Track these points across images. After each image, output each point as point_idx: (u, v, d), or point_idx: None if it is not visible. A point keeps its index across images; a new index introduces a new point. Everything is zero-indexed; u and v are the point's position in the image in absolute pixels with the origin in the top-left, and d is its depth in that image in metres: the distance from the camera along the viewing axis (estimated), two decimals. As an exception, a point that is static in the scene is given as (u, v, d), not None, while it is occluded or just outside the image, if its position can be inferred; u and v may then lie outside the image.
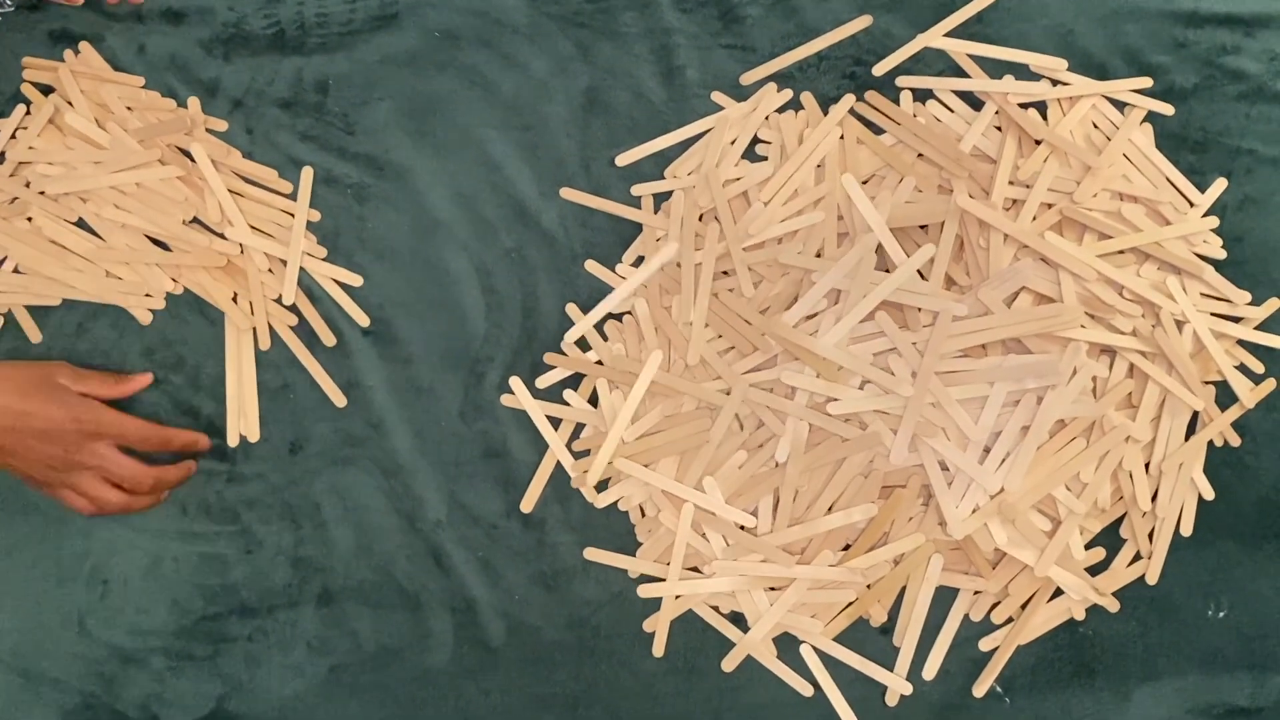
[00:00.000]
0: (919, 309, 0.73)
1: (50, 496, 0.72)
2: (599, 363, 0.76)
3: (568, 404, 0.76)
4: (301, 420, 0.77)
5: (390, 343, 0.78)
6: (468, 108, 0.80)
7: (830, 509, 0.73)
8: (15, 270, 0.78)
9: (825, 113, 0.79)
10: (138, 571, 0.75)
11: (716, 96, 0.80)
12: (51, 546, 0.75)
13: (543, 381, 0.77)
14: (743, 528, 0.73)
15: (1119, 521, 0.74)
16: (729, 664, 0.73)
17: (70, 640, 0.74)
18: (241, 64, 0.80)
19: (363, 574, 0.75)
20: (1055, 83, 0.79)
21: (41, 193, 0.77)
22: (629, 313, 0.77)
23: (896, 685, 0.73)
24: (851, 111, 0.79)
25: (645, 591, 0.73)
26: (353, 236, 0.79)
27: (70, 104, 0.78)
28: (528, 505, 0.76)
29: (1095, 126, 0.78)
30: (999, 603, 0.73)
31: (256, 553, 0.75)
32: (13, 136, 0.78)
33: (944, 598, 0.73)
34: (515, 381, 0.77)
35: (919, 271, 0.74)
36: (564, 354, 0.77)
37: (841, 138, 0.78)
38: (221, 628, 0.74)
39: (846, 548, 0.73)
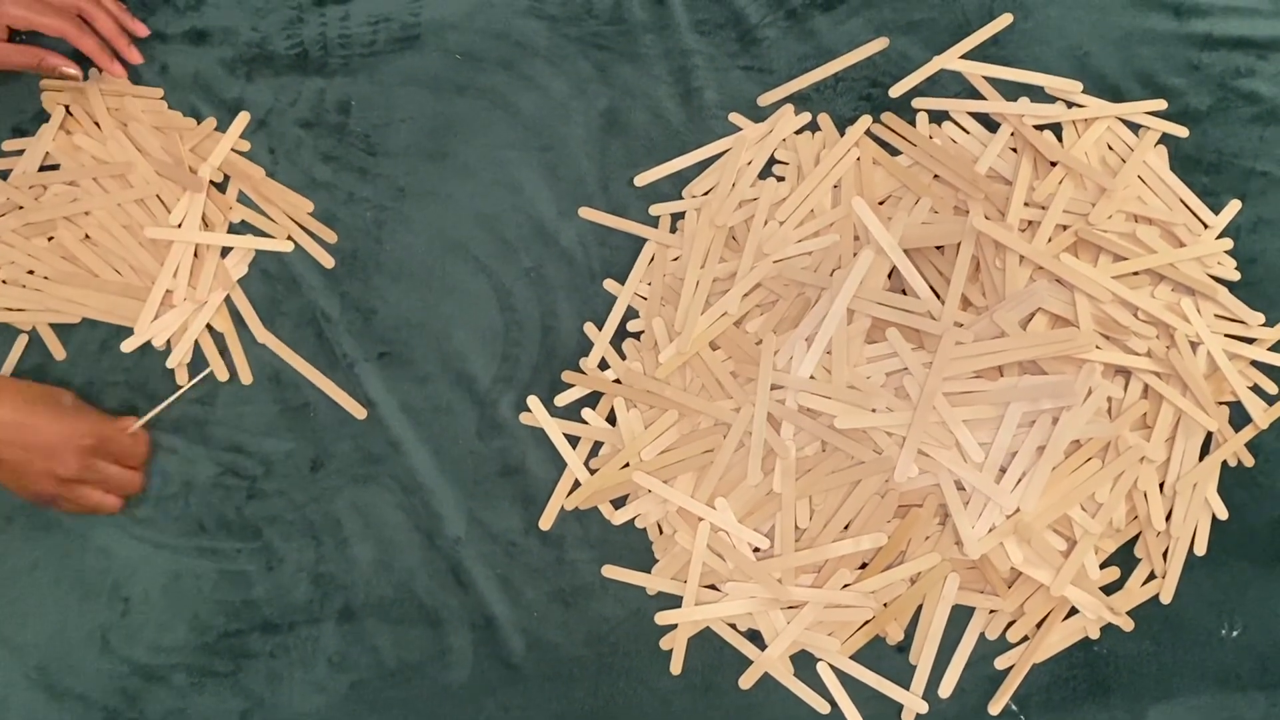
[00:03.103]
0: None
1: (46, 508, 0.75)
2: (617, 381, 0.77)
3: (586, 422, 0.77)
4: (322, 438, 0.77)
5: (409, 362, 0.78)
6: (488, 129, 0.81)
7: (847, 527, 0.73)
8: (37, 289, 0.78)
9: (842, 134, 0.80)
10: (158, 588, 0.76)
11: (734, 118, 0.81)
12: (74, 563, 0.76)
13: (561, 400, 0.78)
14: (756, 549, 0.74)
15: (1134, 541, 0.75)
16: (746, 681, 0.74)
17: (93, 657, 0.75)
18: (264, 84, 0.81)
19: (383, 590, 0.76)
20: (1070, 105, 0.79)
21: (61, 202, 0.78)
22: (644, 331, 0.78)
23: (912, 703, 0.73)
24: (868, 133, 0.80)
25: (662, 619, 0.74)
26: (371, 256, 0.79)
27: (97, 124, 0.79)
28: (546, 523, 0.76)
29: (1110, 148, 0.79)
30: (1014, 621, 0.73)
31: (278, 569, 0.76)
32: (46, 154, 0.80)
33: (960, 616, 0.74)
34: (533, 400, 0.77)
35: (934, 292, 0.75)
36: (582, 372, 0.78)
37: (858, 159, 0.79)
38: (243, 644, 0.75)
39: (864, 566, 0.74)
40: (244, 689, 0.74)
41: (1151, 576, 0.75)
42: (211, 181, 0.79)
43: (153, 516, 0.76)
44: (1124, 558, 0.75)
